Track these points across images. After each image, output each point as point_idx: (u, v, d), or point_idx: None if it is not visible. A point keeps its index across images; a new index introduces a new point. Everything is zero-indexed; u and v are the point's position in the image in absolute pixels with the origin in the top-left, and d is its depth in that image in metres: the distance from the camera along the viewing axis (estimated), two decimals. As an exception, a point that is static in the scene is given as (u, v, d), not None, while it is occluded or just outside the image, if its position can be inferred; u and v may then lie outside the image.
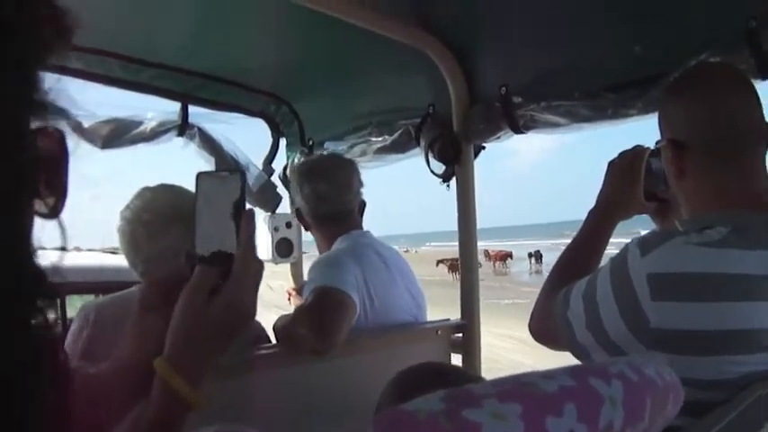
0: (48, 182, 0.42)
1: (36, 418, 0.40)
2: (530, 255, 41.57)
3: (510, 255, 42.76)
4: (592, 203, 1.84)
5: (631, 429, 0.78)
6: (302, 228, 2.61)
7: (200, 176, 1.11)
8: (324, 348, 1.96)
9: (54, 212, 0.41)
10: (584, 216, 1.82)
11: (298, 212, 2.56)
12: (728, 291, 1.32)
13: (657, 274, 1.34)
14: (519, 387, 0.73)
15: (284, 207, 3.45)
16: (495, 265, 41.77)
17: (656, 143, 1.67)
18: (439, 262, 37.87)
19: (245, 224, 1.07)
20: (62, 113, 0.42)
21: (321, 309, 2.06)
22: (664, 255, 1.36)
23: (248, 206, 1.10)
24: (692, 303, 1.32)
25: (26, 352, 0.39)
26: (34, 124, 0.40)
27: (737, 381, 1.33)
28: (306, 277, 2.44)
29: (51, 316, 0.42)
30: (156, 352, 1.02)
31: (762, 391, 1.28)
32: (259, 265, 1.07)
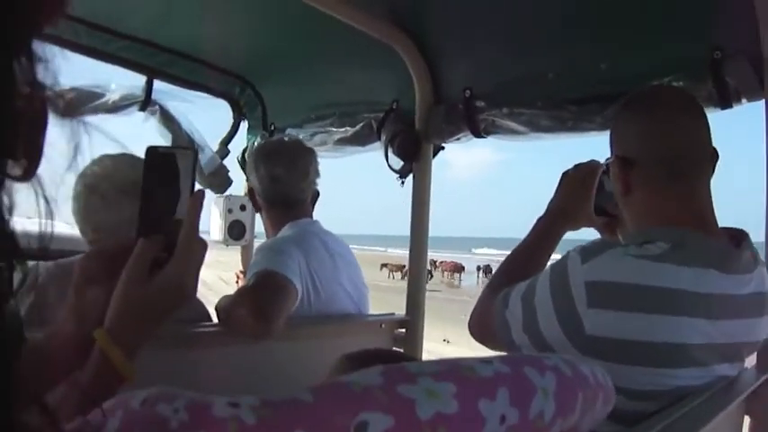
0: (25, 144, 0.42)
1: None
2: (478, 268, 41.20)
3: (462, 268, 42.21)
4: (524, 220, 1.86)
5: (562, 421, 0.80)
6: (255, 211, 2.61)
7: (150, 151, 1.09)
8: (262, 331, 1.96)
9: (26, 176, 0.42)
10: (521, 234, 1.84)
11: (251, 192, 2.56)
12: (662, 304, 1.35)
13: (595, 282, 1.37)
14: (455, 369, 0.74)
15: (235, 191, 3.43)
16: (444, 276, 41.30)
17: (606, 159, 1.70)
18: (383, 266, 37.84)
19: (192, 203, 1.08)
20: (47, 80, 0.42)
21: (262, 292, 2.05)
22: (603, 263, 1.39)
23: (198, 186, 1.10)
24: (626, 313, 1.35)
25: None
26: (19, 85, 0.41)
27: (669, 393, 1.36)
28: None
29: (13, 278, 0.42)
30: (96, 323, 1.03)
31: (692, 404, 1.31)
32: (202, 246, 1.08)
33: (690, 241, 1.42)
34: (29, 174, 0.41)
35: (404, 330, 2.71)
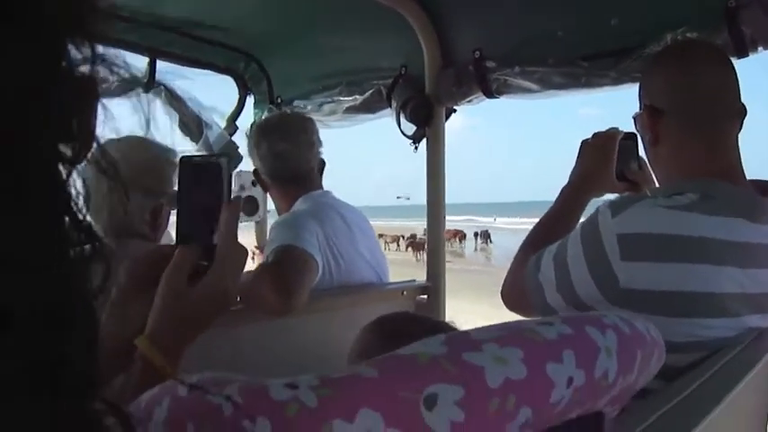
0: (79, 125, 0.41)
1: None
2: (476, 234, 40.91)
3: (464, 235, 41.33)
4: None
5: (623, 380, 0.79)
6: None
7: (183, 160, 1.11)
8: (286, 308, 1.95)
9: (77, 158, 0.40)
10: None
11: (255, 173, 2.52)
12: (694, 253, 1.36)
13: (627, 234, 1.38)
14: (518, 333, 0.73)
15: (246, 167, 3.43)
16: (450, 244, 39.53)
17: (635, 114, 1.69)
18: (379, 237, 36.84)
19: (229, 210, 1.08)
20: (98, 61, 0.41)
21: (283, 268, 2.03)
22: (633, 215, 1.40)
23: (249, 194, 1.11)
24: (659, 263, 1.36)
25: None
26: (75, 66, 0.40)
27: (704, 345, 1.37)
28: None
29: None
30: (139, 329, 1.04)
31: (730, 356, 1.30)
32: (242, 252, 1.09)
33: (718, 191, 1.42)
34: (81, 156, 0.40)
35: (426, 297, 2.70)
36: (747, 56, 1.88)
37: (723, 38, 1.87)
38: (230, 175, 1.12)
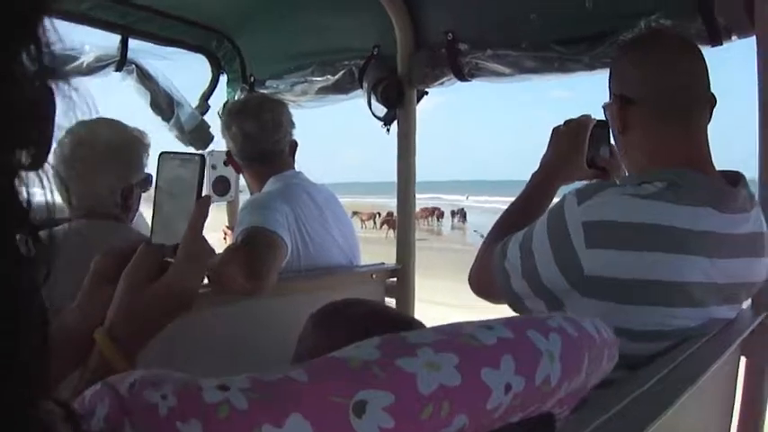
0: (35, 133, 0.40)
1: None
2: (453, 213, 40.70)
3: (442, 213, 40.82)
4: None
5: (568, 383, 0.78)
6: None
7: (162, 157, 1.11)
8: (254, 289, 1.95)
9: (37, 164, 0.39)
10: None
11: (228, 154, 2.53)
12: (660, 242, 1.36)
13: (592, 222, 1.37)
14: (456, 337, 0.72)
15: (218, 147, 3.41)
16: (427, 222, 39.27)
17: (605, 103, 1.69)
18: (354, 214, 35.17)
19: (197, 209, 1.07)
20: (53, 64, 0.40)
21: (251, 248, 2.03)
22: (599, 203, 1.39)
23: (204, 192, 1.10)
24: (624, 252, 1.36)
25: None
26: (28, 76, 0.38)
27: (669, 334, 1.37)
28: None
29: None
30: (100, 321, 1.04)
31: (692, 348, 1.31)
32: (206, 251, 1.08)
33: (686, 180, 1.42)
34: (39, 162, 0.39)
35: (395, 279, 2.70)
36: (721, 44, 1.88)
37: (697, 26, 1.87)
38: (203, 174, 1.11)
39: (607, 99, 1.65)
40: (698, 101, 1.54)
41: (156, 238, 1.09)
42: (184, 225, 1.07)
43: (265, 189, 2.41)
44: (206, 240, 1.08)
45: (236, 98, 3.38)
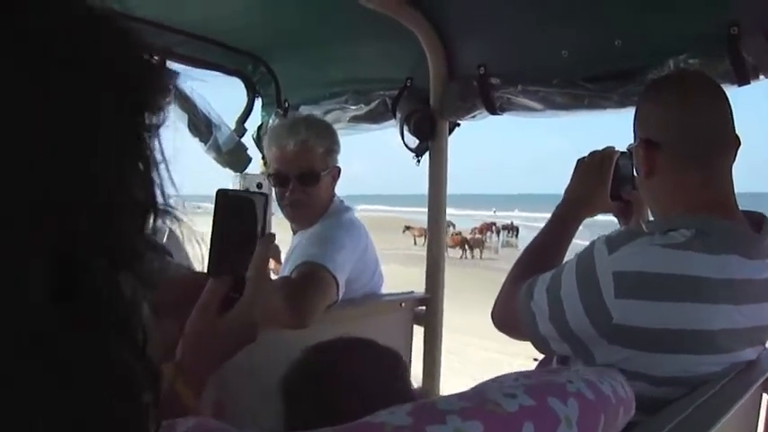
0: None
1: None
2: (504, 228, 39.66)
3: (498, 228, 39.02)
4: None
5: None
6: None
7: (221, 193, 1.13)
8: (295, 326, 1.95)
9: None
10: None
11: (269, 175, 2.49)
12: (689, 292, 1.36)
13: (622, 272, 1.38)
14: (481, 405, 0.75)
15: (254, 168, 3.44)
16: (488, 239, 36.55)
17: (629, 145, 1.70)
18: (406, 229, 34.23)
19: (261, 246, 1.12)
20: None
21: (303, 285, 2.04)
22: (629, 253, 1.40)
23: (270, 230, 1.14)
24: (654, 302, 1.36)
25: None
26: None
27: (694, 379, 1.38)
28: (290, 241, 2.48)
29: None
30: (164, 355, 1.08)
31: (714, 389, 1.32)
32: (270, 285, 1.13)
33: (713, 228, 1.43)
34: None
35: (424, 308, 2.72)
36: (749, 83, 1.89)
37: (725, 65, 1.88)
38: (266, 212, 1.15)
39: (631, 141, 1.66)
40: (723, 143, 1.55)
41: (213, 271, 1.13)
42: (241, 259, 1.11)
43: (324, 221, 2.40)
44: (270, 277, 1.13)
45: (270, 122, 3.43)
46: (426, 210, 2.84)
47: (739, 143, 1.56)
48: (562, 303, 1.47)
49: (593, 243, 1.47)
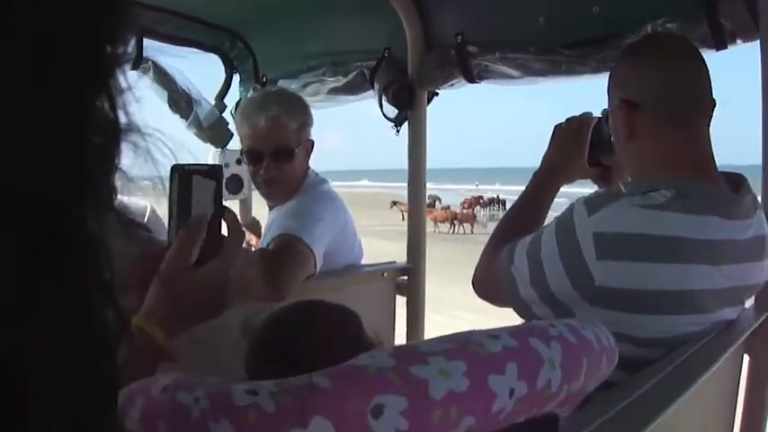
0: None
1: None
2: (491, 201, 39.26)
3: (486, 202, 38.80)
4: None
5: (567, 387, 0.82)
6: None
7: (175, 169, 1.13)
8: (272, 298, 1.93)
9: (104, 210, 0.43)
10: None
11: (242, 152, 2.50)
12: (669, 252, 1.37)
13: (603, 233, 1.38)
14: (464, 346, 0.76)
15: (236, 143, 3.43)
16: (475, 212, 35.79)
17: (604, 110, 1.71)
18: (393, 204, 33.42)
19: (231, 217, 1.14)
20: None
21: (280, 257, 2.04)
22: (609, 215, 1.40)
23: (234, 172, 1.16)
24: (635, 263, 1.37)
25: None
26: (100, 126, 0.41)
27: (674, 339, 1.40)
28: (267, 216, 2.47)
29: None
30: None
31: (694, 347, 1.34)
32: (243, 249, 1.13)
33: (692, 189, 1.44)
34: (104, 206, 0.41)
35: (406, 278, 2.74)
36: (726, 48, 1.89)
37: (702, 30, 1.88)
38: (221, 185, 1.17)
39: (606, 106, 1.68)
40: (701, 103, 1.56)
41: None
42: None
43: (300, 196, 2.39)
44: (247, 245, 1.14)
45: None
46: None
47: (715, 105, 1.57)
48: (543, 266, 1.47)
49: (572, 205, 1.47)
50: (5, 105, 0.34)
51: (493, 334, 0.80)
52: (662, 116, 1.54)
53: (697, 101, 1.55)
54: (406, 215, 3.06)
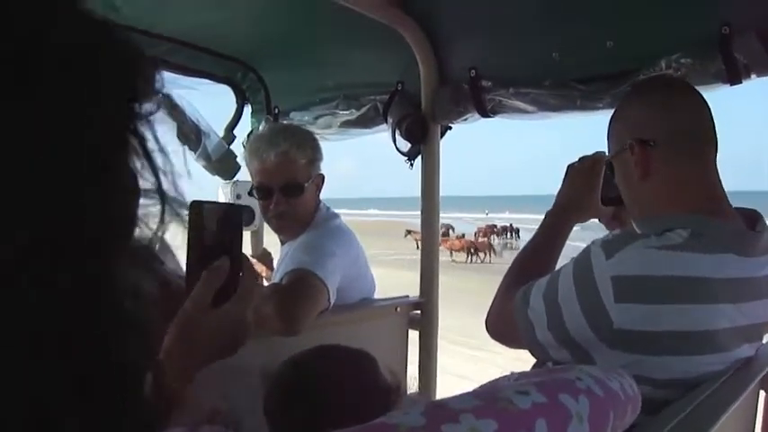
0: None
1: None
2: (504, 229, 39.48)
3: (499, 230, 38.79)
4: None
5: None
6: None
7: (195, 205, 1.12)
8: (286, 332, 1.94)
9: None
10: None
11: (252, 188, 2.50)
12: (688, 293, 1.36)
13: (621, 276, 1.37)
14: (494, 402, 0.75)
15: (243, 176, 3.43)
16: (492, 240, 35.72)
17: (607, 157, 1.72)
18: (408, 233, 33.55)
19: (245, 258, 1.15)
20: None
21: (293, 292, 2.03)
22: (627, 257, 1.39)
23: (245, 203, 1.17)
24: (654, 305, 1.36)
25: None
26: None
27: (695, 379, 1.38)
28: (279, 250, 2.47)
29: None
30: None
31: (712, 387, 1.32)
32: (258, 290, 1.13)
33: (708, 227, 1.43)
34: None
35: (419, 312, 2.72)
36: (741, 83, 1.89)
37: (717, 64, 1.88)
38: (242, 225, 1.19)
39: (605, 148, 1.69)
40: (711, 139, 1.56)
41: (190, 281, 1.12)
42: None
43: (312, 230, 2.39)
44: (261, 282, 1.14)
45: (260, 129, 3.41)
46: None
47: (717, 144, 1.58)
48: (560, 309, 1.46)
49: (589, 247, 1.47)
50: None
51: (521, 390, 0.79)
52: (675, 152, 1.54)
53: (707, 136, 1.56)
54: (420, 243, 3.04)
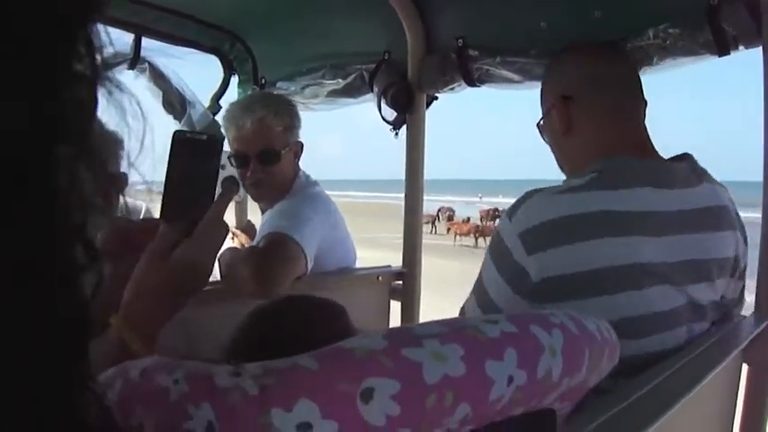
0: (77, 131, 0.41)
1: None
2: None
3: (500, 213, 38.24)
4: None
5: (569, 379, 0.79)
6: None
7: (177, 135, 1.10)
8: (263, 295, 1.92)
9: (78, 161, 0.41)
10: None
11: (229, 156, 2.45)
12: (597, 228, 1.37)
13: (525, 230, 1.39)
14: (461, 330, 0.74)
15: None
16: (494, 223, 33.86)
17: (540, 120, 1.75)
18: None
19: (225, 191, 1.14)
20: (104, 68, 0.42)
21: (269, 255, 2.03)
22: (528, 210, 1.41)
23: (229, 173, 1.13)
24: (565, 246, 1.36)
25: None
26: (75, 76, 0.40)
27: (641, 319, 1.37)
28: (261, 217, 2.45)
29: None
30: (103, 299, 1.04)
31: (696, 352, 1.32)
32: (222, 230, 1.11)
33: (615, 164, 1.45)
34: (82, 159, 0.40)
35: (401, 282, 2.71)
36: (729, 54, 1.88)
37: (705, 35, 1.87)
38: (221, 155, 1.14)
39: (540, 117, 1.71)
40: (634, 94, 1.61)
41: (167, 216, 1.09)
42: (198, 204, 1.09)
43: (290, 197, 2.38)
44: (225, 222, 1.11)
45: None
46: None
47: (646, 105, 1.63)
48: (487, 292, 1.48)
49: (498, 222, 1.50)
50: None
51: (491, 319, 0.77)
52: (595, 105, 1.58)
53: (630, 90, 1.61)
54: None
